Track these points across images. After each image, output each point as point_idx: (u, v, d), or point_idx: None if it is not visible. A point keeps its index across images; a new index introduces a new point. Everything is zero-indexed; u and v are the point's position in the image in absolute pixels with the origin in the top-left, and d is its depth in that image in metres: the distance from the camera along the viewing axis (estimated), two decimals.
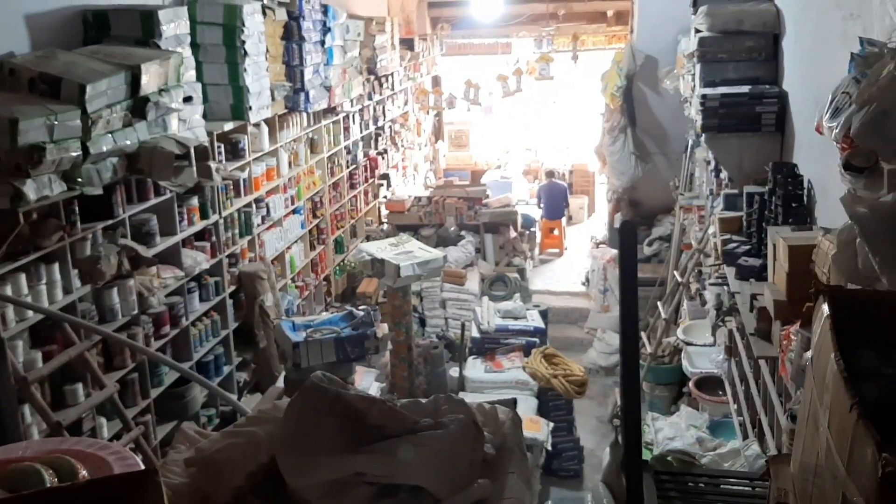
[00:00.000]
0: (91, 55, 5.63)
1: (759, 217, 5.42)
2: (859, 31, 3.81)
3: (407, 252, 7.55)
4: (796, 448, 2.02)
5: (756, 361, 4.92)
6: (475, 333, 8.67)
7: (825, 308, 1.84)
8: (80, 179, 5.19)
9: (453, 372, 8.10)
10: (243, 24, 7.13)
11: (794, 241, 4.17)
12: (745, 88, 6.55)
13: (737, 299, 5.27)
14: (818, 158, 4.91)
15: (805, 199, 5.10)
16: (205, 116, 6.75)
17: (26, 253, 5.04)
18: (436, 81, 16.25)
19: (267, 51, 7.74)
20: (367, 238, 11.28)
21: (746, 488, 3.64)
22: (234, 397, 6.90)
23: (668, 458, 5.28)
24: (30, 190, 4.78)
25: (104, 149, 5.28)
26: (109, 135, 5.34)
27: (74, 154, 5.02)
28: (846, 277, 2.86)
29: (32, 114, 4.77)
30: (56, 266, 5.33)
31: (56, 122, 4.85)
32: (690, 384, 7.19)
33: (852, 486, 1.42)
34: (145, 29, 6.17)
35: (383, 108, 12.79)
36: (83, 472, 2.14)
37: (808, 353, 2.42)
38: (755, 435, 5.13)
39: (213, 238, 7.27)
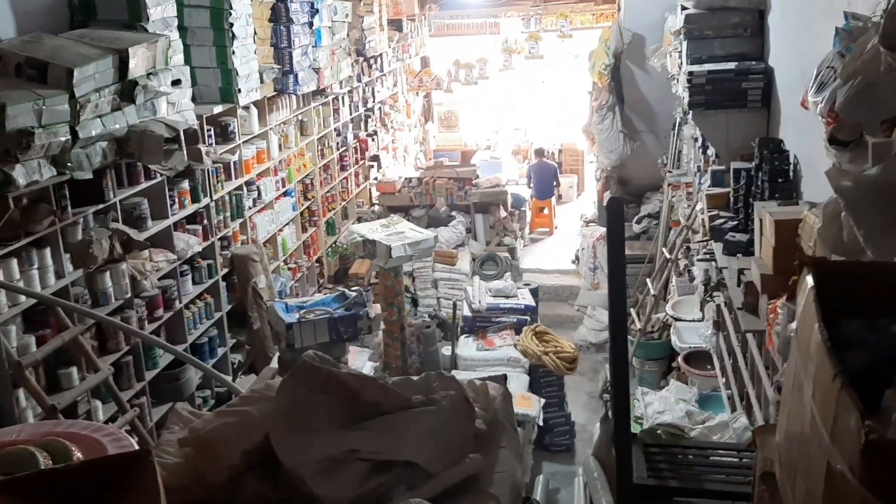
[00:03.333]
0: (78, 39, 5.60)
1: (746, 192, 5.44)
2: (844, 5, 3.82)
3: (398, 233, 7.57)
4: (782, 418, 2.04)
5: (744, 335, 4.97)
6: (467, 312, 8.71)
7: (809, 279, 1.85)
8: (69, 164, 5.19)
9: (446, 351, 8.15)
10: (231, 7, 7.10)
11: (781, 215, 4.20)
12: (732, 65, 6.56)
13: (724, 274, 5.31)
14: (804, 133, 4.93)
15: (791, 174, 5.13)
16: (194, 99, 6.73)
17: (17, 238, 5.05)
18: (425, 62, 16.20)
19: (255, 33, 7.71)
20: (359, 219, 11.28)
21: (734, 459, 3.70)
22: (229, 378, 6.92)
23: (658, 432, 5.34)
24: (19, 175, 4.78)
25: (93, 133, 5.28)
26: (98, 119, 5.33)
27: (63, 139, 5.01)
28: (832, 251, 2.88)
29: (20, 99, 4.76)
30: (48, 251, 5.34)
31: (44, 107, 4.84)
32: (679, 359, 7.25)
33: (837, 453, 1.43)
34: (132, 12, 6.15)
35: (372, 89, 12.75)
36: (77, 454, 2.16)
37: (793, 325, 2.45)
38: (743, 407, 5.19)
39: (205, 221, 7.28)
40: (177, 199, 6.79)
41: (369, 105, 12.67)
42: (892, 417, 1.48)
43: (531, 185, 14.15)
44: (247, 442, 2.51)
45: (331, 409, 2.55)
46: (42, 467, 2.02)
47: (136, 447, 2.33)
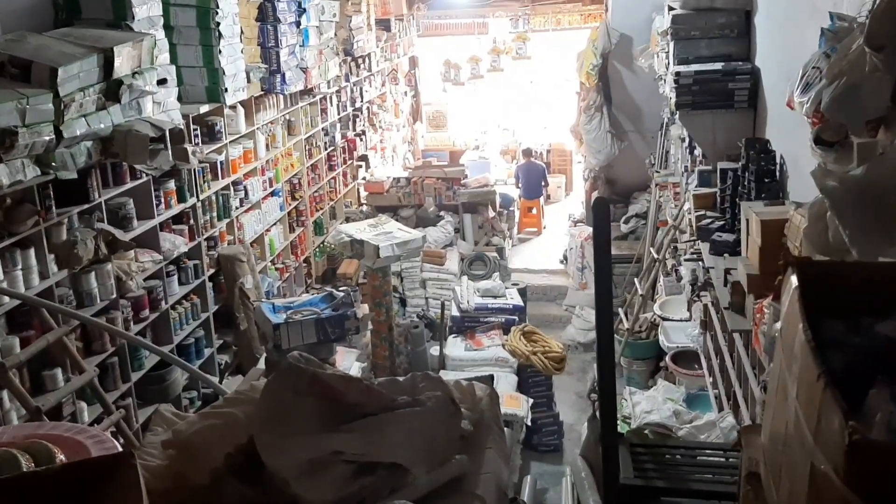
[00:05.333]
0: (62, 38, 5.57)
1: (733, 193, 5.46)
2: (829, 6, 3.83)
3: (386, 233, 7.57)
4: (766, 418, 2.04)
5: (730, 335, 4.98)
6: (455, 312, 8.71)
7: (793, 279, 1.85)
8: (53, 164, 5.16)
9: (434, 351, 8.15)
10: (217, 6, 7.06)
11: (767, 215, 4.22)
12: (718, 65, 6.58)
13: (711, 274, 5.32)
14: (790, 134, 4.94)
15: (777, 174, 5.14)
16: (180, 99, 6.70)
17: (1, 239, 5.01)
18: (413, 62, 16.19)
19: (241, 32, 7.68)
20: (347, 219, 11.26)
21: (721, 459, 3.70)
22: (216, 380, 6.90)
23: (646, 432, 5.35)
24: (2, 175, 4.74)
25: (78, 132, 5.24)
26: (83, 118, 5.30)
27: (47, 138, 4.98)
28: (817, 251, 2.88)
29: (3, 98, 4.72)
30: (32, 251, 5.29)
31: (28, 106, 4.80)
32: (667, 358, 7.27)
33: (820, 454, 1.42)
34: (117, 11, 6.11)
35: (360, 89, 12.73)
36: (60, 457, 2.15)
37: (778, 324, 2.45)
38: (730, 407, 5.20)
39: (192, 221, 7.24)
40: (163, 199, 6.75)
41: (357, 105, 12.65)
42: (875, 418, 1.48)
43: (519, 185, 14.16)
44: (230, 444, 2.50)
45: (315, 411, 2.54)
46: (24, 470, 2.01)
47: (120, 449, 2.31)
